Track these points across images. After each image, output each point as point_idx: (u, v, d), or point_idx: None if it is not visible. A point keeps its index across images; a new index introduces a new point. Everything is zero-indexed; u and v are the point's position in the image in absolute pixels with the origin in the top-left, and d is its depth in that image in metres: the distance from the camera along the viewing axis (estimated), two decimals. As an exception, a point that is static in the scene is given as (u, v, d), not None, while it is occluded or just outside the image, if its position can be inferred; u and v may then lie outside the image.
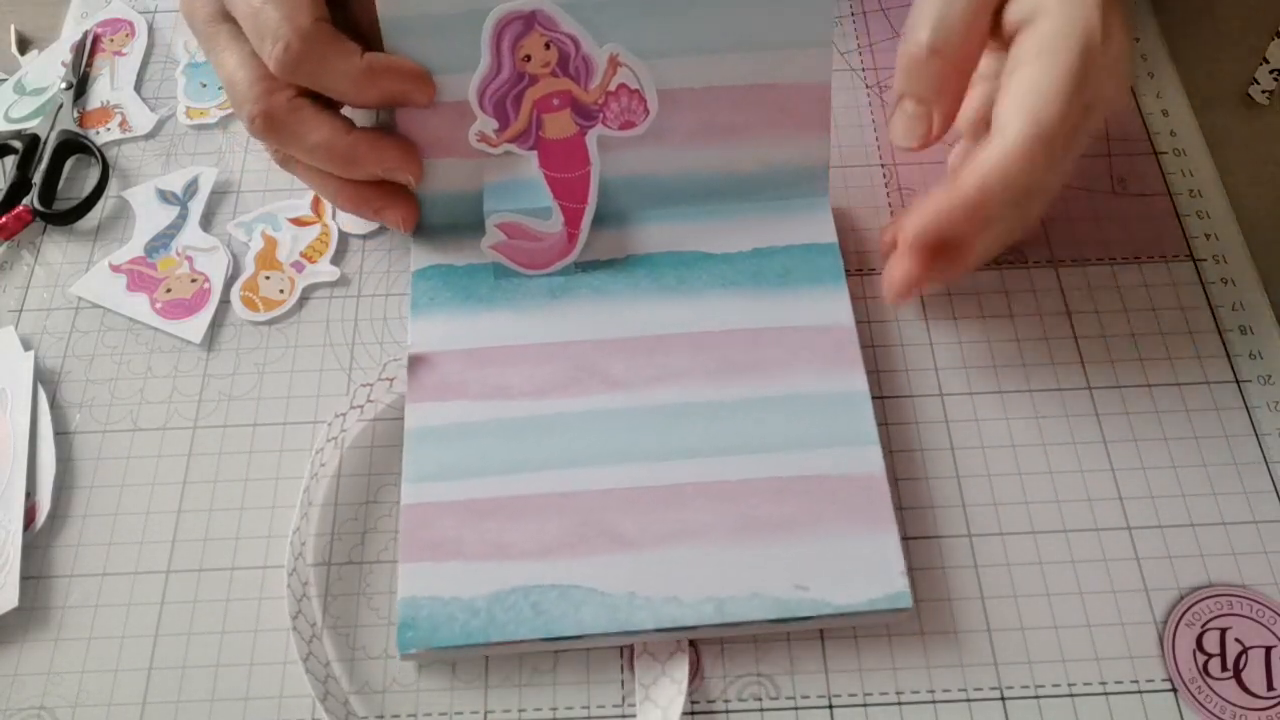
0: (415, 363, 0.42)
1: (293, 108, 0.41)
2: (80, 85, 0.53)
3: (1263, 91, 0.52)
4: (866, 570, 0.37)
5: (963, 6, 0.38)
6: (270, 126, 0.41)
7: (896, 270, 0.41)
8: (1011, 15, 0.38)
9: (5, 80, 0.54)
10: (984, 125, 0.40)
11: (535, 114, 0.42)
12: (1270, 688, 0.36)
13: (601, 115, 0.42)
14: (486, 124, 0.42)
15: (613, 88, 0.42)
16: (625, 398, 0.41)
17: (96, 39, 0.55)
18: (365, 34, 0.44)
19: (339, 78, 0.40)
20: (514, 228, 0.43)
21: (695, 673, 0.37)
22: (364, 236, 0.48)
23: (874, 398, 0.42)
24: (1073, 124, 0.37)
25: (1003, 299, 0.45)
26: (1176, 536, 0.39)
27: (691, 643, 0.38)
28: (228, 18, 0.41)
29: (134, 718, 0.37)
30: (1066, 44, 0.37)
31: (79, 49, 0.54)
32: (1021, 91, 0.37)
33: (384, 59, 0.41)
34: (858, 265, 0.46)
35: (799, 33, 0.42)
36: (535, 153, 0.43)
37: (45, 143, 0.50)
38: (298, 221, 0.48)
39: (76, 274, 0.47)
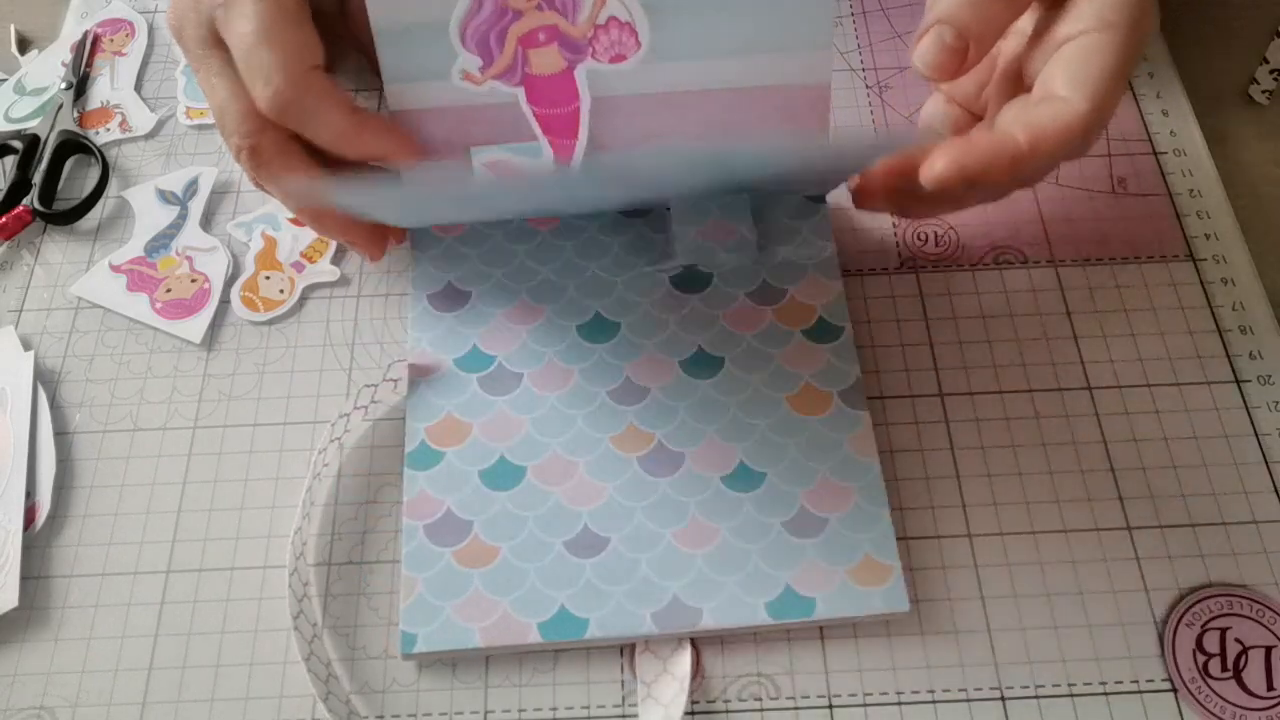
0: (415, 374, 0.42)
1: (281, 149, 0.40)
2: (80, 85, 0.53)
3: (1263, 91, 0.52)
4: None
5: None
6: (256, 162, 0.40)
7: (877, 180, 0.40)
8: None
9: (5, 80, 0.54)
10: (1010, 81, 0.40)
11: (520, 50, 0.41)
12: (1270, 688, 0.36)
13: (590, 49, 0.41)
14: (470, 61, 0.41)
15: (601, 20, 0.41)
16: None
17: (96, 39, 0.55)
18: (366, 49, 0.44)
19: (325, 129, 0.39)
20: (502, 165, 0.43)
21: (696, 671, 0.37)
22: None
23: (874, 398, 0.42)
24: (1121, 98, 0.37)
25: (1003, 299, 0.45)
26: (1176, 536, 0.39)
27: (692, 641, 0.38)
28: (218, 43, 0.40)
29: (134, 718, 0.37)
30: (1129, 20, 0.36)
31: (79, 49, 0.54)
32: (1083, 64, 0.36)
33: (373, 119, 0.40)
34: (858, 265, 0.46)
35: (798, 36, 0.42)
36: (522, 89, 0.42)
37: (45, 143, 0.50)
38: (298, 222, 0.48)
39: (76, 274, 0.47)
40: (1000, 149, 0.36)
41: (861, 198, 0.41)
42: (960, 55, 0.38)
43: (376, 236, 0.44)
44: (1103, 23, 0.37)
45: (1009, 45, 0.40)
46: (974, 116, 0.43)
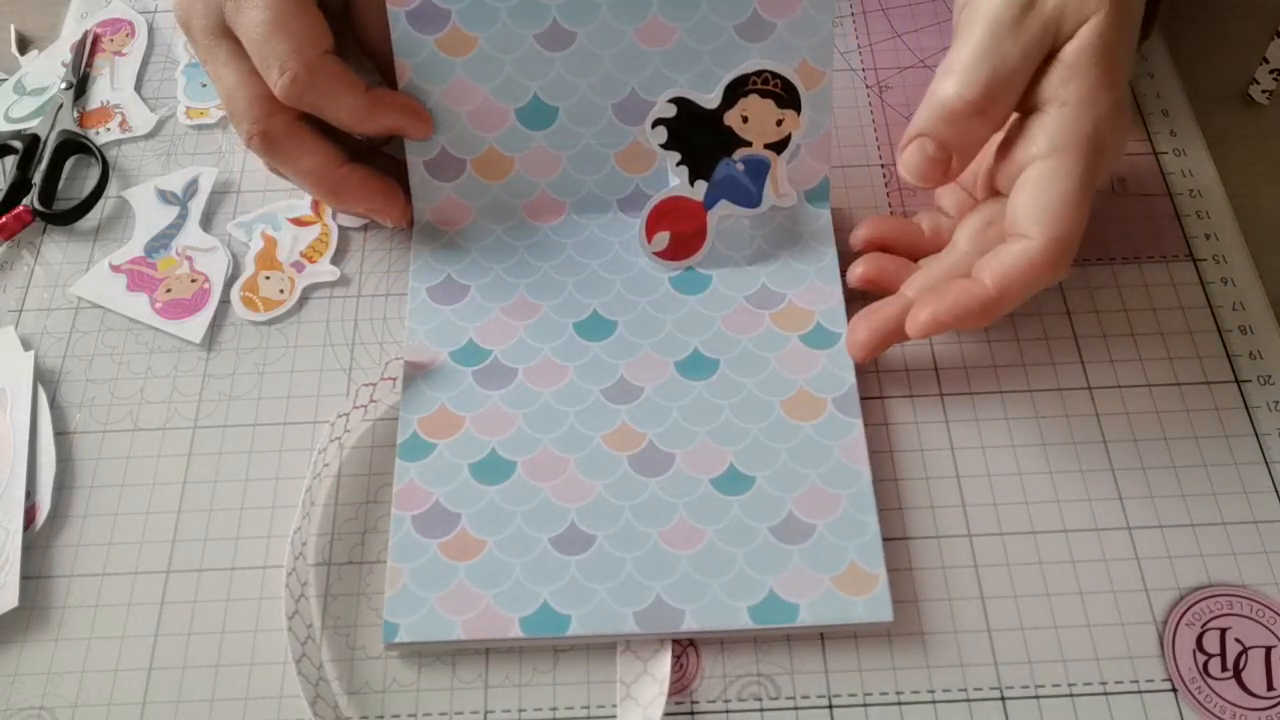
0: (411, 370, 0.42)
1: (291, 130, 0.42)
2: (80, 85, 0.53)
3: (1263, 91, 0.52)
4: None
5: (1014, 71, 0.38)
6: (268, 146, 0.42)
7: (864, 333, 0.41)
8: (1040, 89, 0.38)
9: (5, 80, 0.54)
10: (988, 185, 0.41)
11: None
12: (1270, 688, 0.36)
13: None
14: None
15: None
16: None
17: (96, 39, 0.55)
18: (374, 49, 0.44)
19: (341, 109, 0.41)
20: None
21: (695, 672, 0.37)
22: (364, 229, 0.48)
23: (874, 398, 0.42)
24: (1086, 217, 0.38)
25: (1003, 299, 0.45)
26: (1176, 536, 0.39)
27: (691, 642, 0.38)
28: (226, 33, 0.41)
29: (134, 718, 0.37)
30: (1080, 142, 0.38)
31: (79, 49, 0.54)
32: (1040, 194, 0.38)
33: (386, 95, 0.42)
34: (858, 265, 0.46)
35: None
36: None
37: (45, 143, 0.50)
38: (298, 221, 0.48)
39: (76, 274, 0.47)
40: (970, 299, 0.38)
41: (860, 357, 0.42)
42: (943, 165, 0.40)
43: (399, 200, 0.45)
44: (1054, 148, 0.38)
45: (999, 136, 0.41)
46: (976, 201, 0.44)
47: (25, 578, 0.39)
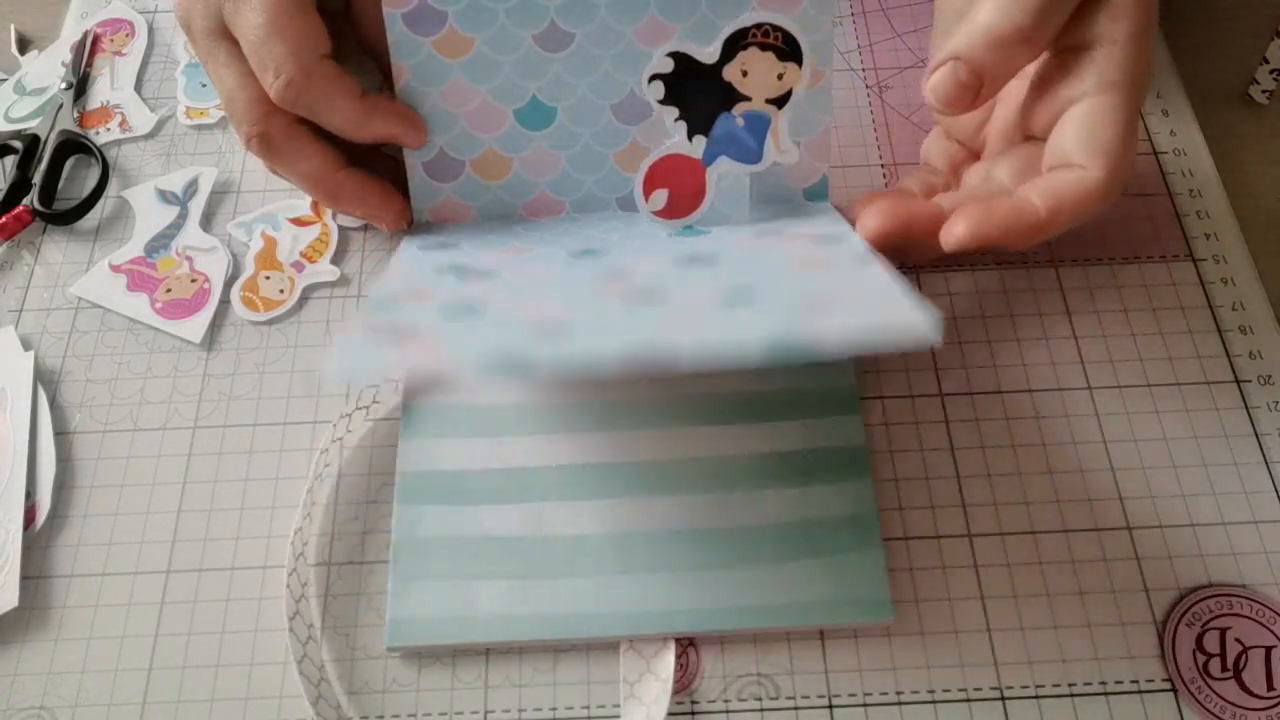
0: (409, 394, 0.42)
1: (290, 133, 0.42)
2: (80, 85, 0.53)
3: (1263, 91, 0.52)
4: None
5: (1063, 1, 0.37)
6: (266, 148, 0.42)
7: (877, 218, 0.38)
8: (1085, 28, 0.38)
9: (5, 80, 0.54)
10: (1012, 125, 0.41)
11: None
12: (1270, 688, 0.36)
13: None
14: None
15: None
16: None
17: (96, 39, 0.55)
18: (375, 50, 0.44)
19: (336, 115, 0.41)
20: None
21: (695, 672, 0.37)
22: (364, 229, 0.48)
23: (874, 398, 0.42)
24: (1135, 155, 0.37)
25: (1003, 299, 0.45)
26: (1176, 536, 0.39)
27: (692, 642, 0.38)
28: (226, 34, 0.41)
29: (134, 718, 0.37)
30: (1133, 81, 0.37)
31: (79, 49, 0.54)
32: (1094, 129, 0.37)
33: (382, 101, 0.42)
34: (858, 265, 0.46)
35: None
36: None
37: (45, 143, 0.50)
38: (298, 221, 0.48)
39: (76, 274, 0.47)
40: (1020, 217, 0.37)
41: (871, 236, 0.40)
42: (973, 92, 0.38)
43: (396, 204, 0.45)
44: (1106, 84, 0.37)
45: (1013, 86, 0.41)
46: (971, 153, 0.44)
47: (25, 578, 0.39)
